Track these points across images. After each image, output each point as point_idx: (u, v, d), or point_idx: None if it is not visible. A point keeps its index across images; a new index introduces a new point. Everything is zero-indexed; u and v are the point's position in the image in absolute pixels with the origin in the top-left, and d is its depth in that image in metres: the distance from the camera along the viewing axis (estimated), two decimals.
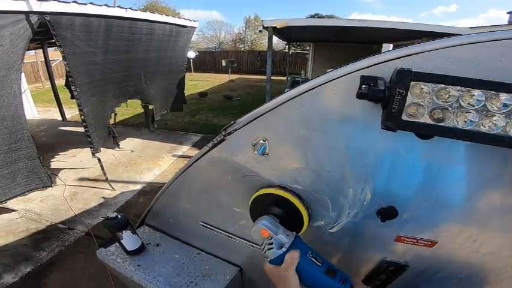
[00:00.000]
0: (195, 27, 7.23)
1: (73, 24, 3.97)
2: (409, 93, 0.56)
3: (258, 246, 0.97)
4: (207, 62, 26.92)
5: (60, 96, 9.18)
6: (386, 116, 0.58)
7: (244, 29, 41.41)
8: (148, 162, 6.24)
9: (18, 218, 4.22)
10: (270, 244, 0.91)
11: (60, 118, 9.37)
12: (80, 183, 5.28)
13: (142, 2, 38.54)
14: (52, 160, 6.16)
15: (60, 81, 11.41)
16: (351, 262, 1.20)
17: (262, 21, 7.73)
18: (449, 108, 0.54)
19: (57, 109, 9.27)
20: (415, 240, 1.00)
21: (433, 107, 0.55)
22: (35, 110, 10.13)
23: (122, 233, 1.33)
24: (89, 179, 5.40)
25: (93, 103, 4.57)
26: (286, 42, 17.27)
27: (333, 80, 0.84)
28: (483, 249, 0.96)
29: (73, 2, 3.91)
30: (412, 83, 0.55)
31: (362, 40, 10.94)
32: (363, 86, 0.69)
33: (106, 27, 4.49)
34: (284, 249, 0.89)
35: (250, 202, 1.10)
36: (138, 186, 5.22)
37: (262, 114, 0.99)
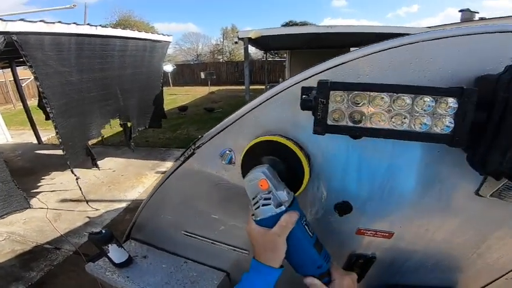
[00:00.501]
0: (170, 42, 7.26)
1: (43, 44, 3.92)
2: (330, 101, 0.65)
3: (244, 251, 0.87)
4: (186, 75, 26.89)
5: (33, 117, 8.96)
6: (314, 122, 0.67)
7: (222, 40, 41.70)
8: (131, 180, 6.20)
9: (2, 241, 4.17)
10: (266, 199, 0.77)
11: (35, 141, 9.14)
12: (62, 205, 5.22)
13: (114, 17, 38.52)
14: (31, 183, 6.03)
15: (32, 102, 11.13)
16: None
17: (237, 32, 7.82)
18: (364, 111, 0.64)
19: (32, 131, 9.05)
20: (374, 232, 1.10)
21: (351, 111, 0.65)
22: (7, 133, 9.81)
23: (108, 247, 1.38)
24: (71, 200, 5.34)
25: (71, 124, 4.52)
26: (263, 51, 17.60)
27: (281, 92, 0.95)
28: (436, 237, 1.06)
29: (40, 21, 3.86)
30: (331, 92, 0.64)
31: (334, 45, 11.27)
32: (303, 96, 0.78)
33: (77, 46, 4.45)
34: (283, 207, 0.76)
35: (243, 153, 1.01)
36: (123, 204, 5.20)
37: (226, 128, 1.09)
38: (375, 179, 0.97)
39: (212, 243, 1.40)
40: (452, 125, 0.59)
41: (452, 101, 0.59)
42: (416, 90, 0.59)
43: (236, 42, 8.76)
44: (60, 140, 4.27)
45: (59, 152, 4.60)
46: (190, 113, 12.71)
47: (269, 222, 0.76)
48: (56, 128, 4.21)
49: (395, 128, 0.63)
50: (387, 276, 1.27)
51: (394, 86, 0.61)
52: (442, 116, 0.60)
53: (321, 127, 0.66)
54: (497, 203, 0.90)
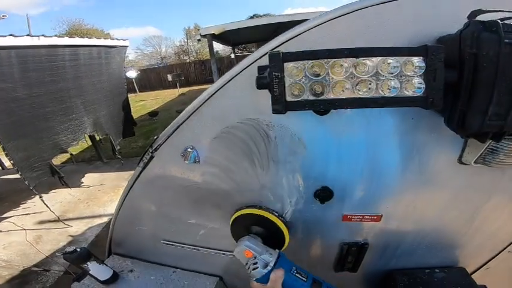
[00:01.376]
0: (127, 46, 6.91)
1: None
2: (285, 75, 0.57)
3: (230, 254, 1.02)
4: (152, 79, 26.04)
5: None
6: (272, 100, 0.58)
7: (186, 40, 40.82)
8: (108, 194, 5.92)
9: None
10: (254, 264, 0.92)
11: None
12: (41, 226, 4.94)
13: (63, 26, 36.15)
14: (3, 209, 5.67)
15: None
16: (316, 255, 1.23)
17: (198, 30, 7.66)
18: (325, 81, 0.56)
19: None
20: (361, 217, 1.04)
21: (310, 84, 0.57)
22: None
23: (88, 265, 1.29)
24: (49, 221, 5.03)
25: (25, 145, 4.18)
26: (231, 47, 17.38)
27: (237, 75, 0.85)
28: (427, 214, 1.02)
29: None
30: (285, 64, 0.56)
31: None
32: (258, 74, 0.69)
33: (19, 59, 4.07)
34: (269, 267, 0.90)
35: (230, 222, 1.10)
36: (105, 219, 4.94)
37: (182, 123, 0.98)
38: (352, 159, 0.91)
39: (195, 249, 1.30)
40: (423, 86, 0.53)
41: (418, 61, 0.53)
42: (378, 53, 0.52)
43: (199, 40, 8.59)
44: (12, 162, 3.94)
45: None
46: (162, 117, 12.31)
47: (263, 280, 0.89)
48: (4, 149, 3.87)
49: (362, 96, 0.55)
50: (383, 261, 1.23)
51: (355, 50, 0.53)
52: (410, 78, 0.54)
53: (280, 105, 0.58)
54: (483, 169, 0.86)
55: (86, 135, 5.57)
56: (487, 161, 0.77)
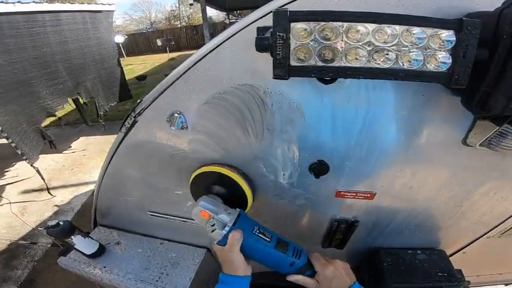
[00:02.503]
0: (113, 10, 6.66)
1: None
2: (291, 37, 0.49)
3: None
4: (140, 44, 24.99)
5: None
6: (273, 64, 0.51)
7: (178, 5, 38.91)
8: (95, 159, 5.78)
9: None
10: (212, 226, 0.87)
11: None
12: (25, 196, 4.81)
13: None
14: None
15: None
16: (305, 230, 1.21)
17: None
18: (338, 47, 0.49)
19: None
20: (354, 194, 1.01)
21: (319, 48, 0.49)
22: None
23: (72, 239, 1.25)
24: (33, 190, 4.92)
25: (11, 110, 4.07)
26: (225, 13, 16.68)
27: (232, 35, 0.76)
28: (420, 195, 0.99)
29: None
30: (291, 24, 0.48)
31: None
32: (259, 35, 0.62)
33: None
34: (227, 228, 0.85)
35: (189, 182, 1.03)
36: (91, 186, 4.84)
37: (169, 86, 0.89)
38: (352, 132, 0.85)
39: (183, 221, 1.27)
40: (449, 62, 0.47)
41: (448, 34, 0.46)
42: (405, 21, 0.46)
43: (191, 4, 8.19)
44: (0, 128, 3.81)
45: (3, 141, 4.13)
46: (150, 81, 11.87)
47: (223, 242, 0.84)
48: None
49: (378, 67, 0.48)
50: (370, 239, 1.23)
51: (378, 15, 0.46)
52: (436, 52, 0.47)
53: (283, 69, 0.51)
54: (483, 154, 0.83)
55: (69, 98, 5.42)
56: (492, 144, 0.74)
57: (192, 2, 7.93)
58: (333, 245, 1.24)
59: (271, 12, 0.67)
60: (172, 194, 1.18)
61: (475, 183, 0.95)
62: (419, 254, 1.21)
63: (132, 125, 1.01)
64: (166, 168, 1.09)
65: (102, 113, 6.44)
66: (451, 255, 1.27)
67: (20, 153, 4.07)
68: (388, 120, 0.80)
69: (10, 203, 4.64)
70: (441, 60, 0.48)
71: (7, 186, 5.22)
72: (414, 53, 0.48)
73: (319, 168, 0.93)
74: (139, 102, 0.98)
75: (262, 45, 0.54)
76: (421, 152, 0.86)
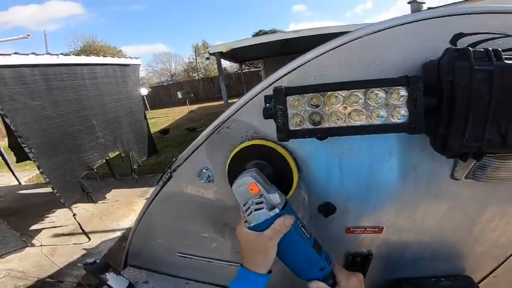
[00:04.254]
0: (139, 64, 7.13)
1: (3, 77, 3.63)
2: (288, 107, 0.66)
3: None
4: (163, 96, 26.53)
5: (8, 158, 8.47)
6: (277, 129, 0.67)
7: (195, 57, 41.54)
8: (122, 209, 6.04)
9: (2, 278, 4.04)
10: (258, 203, 0.73)
11: (15, 182, 8.68)
12: (55, 240, 5.09)
13: (78, 43, 36.76)
14: (20, 223, 5.77)
15: (4, 142, 10.63)
16: None
17: (207, 48, 7.86)
18: (322, 112, 0.65)
19: (9, 173, 8.58)
20: (363, 229, 1.10)
21: (309, 114, 0.66)
22: None
23: (106, 275, 1.35)
24: (63, 235, 5.20)
25: (57, 163, 4.28)
26: (238, 63, 17.74)
27: (247, 103, 0.95)
28: (426, 226, 1.07)
29: None
30: (288, 97, 0.65)
31: (304, 49, 11.43)
32: (266, 105, 0.78)
33: (42, 77, 4.17)
34: (277, 210, 0.73)
35: (229, 160, 0.98)
36: (118, 233, 5.06)
37: (198, 147, 1.09)
38: (352, 176, 0.98)
39: (208, 261, 1.37)
40: (407, 113, 0.61)
41: (403, 90, 0.60)
42: (365, 84, 0.61)
43: (208, 58, 8.85)
44: (46, 179, 4.04)
45: (42, 190, 4.44)
46: (172, 135, 12.50)
47: (263, 227, 0.72)
48: (39, 168, 3.92)
49: (354, 124, 0.64)
50: (388, 271, 1.26)
51: (345, 83, 0.62)
52: (396, 106, 0.62)
53: (284, 133, 0.67)
54: (476, 184, 0.91)
55: (110, 153, 5.66)
56: (477, 176, 0.83)
57: (208, 56, 8.54)
58: None
59: (272, 83, 0.87)
60: (200, 236, 1.31)
61: (476, 211, 1.02)
62: (443, 281, 1.18)
63: (168, 179, 1.20)
64: (195, 214, 1.25)
65: (135, 167, 6.65)
66: (481, 280, 1.25)
67: (62, 201, 4.30)
68: (380, 164, 0.94)
69: (42, 245, 4.85)
70: (402, 113, 0.62)
71: (40, 229, 5.54)
72: (379, 109, 0.62)
73: (328, 209, 1.05)
74: (175, 160, 1.17)
75: (268, 114, 0.70)
76: (416, 188, 0.97)
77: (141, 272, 1.57)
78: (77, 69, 4.89)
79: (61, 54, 4.54)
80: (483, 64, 0.57)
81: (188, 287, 1.45)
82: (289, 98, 0.66)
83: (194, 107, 21.24)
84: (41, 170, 3.95)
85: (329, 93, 0.64)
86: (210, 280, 1.46)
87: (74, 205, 5.33)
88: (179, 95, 20.79)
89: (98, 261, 1.35)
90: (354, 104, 0.63)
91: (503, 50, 0.71)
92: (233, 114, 0.97)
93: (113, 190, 7.25)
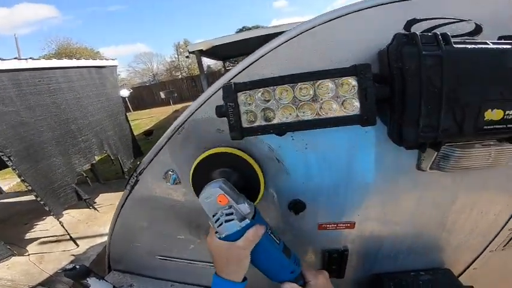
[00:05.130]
0: (116, 65, 6.94)
1: None
2: (240, 104, 0.62)
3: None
4: (145, 97, 25.99)
5: None
6: (229, 128, 0.64)
7: (177, 55, 40.89)
8: (108, 213, 5.91)
9: None
10: (228, 215, 0.73)
11: None
12: (43, 247, 5.02)
13: (52, 46, 35.28)
14: (4, 232, 5.68)
15: None
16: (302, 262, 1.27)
17: (186, 46, 7.72)
18: (273, 107, 0.62)
19: None
20: (335, 225, 1.09)
21: (261, 110, 0.62)
22: None
23: (88, 281, 1.32)
24: (50, 242, 5.13)
25: (41, 170, 4.16)
26: (222, 61, 17.56)
27: (204, 103, 0.92)
28: (398, 219, 1.06)
29: None
30: (239, 93, 0.62)
31: None
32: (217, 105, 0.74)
33: (12, 82, 3.97)
34: (247, 220, 0.73)
35: (192, 169, 0.94)
36: (105, 238, 4.91)
37: (160, 150, 1.05)
38: (319, 172, 0.96)
39: (189, 263, 1.35)
40: (358, 105, 0.58)
41: (353, 81, 0.58)
42: (312, 76, 0.58)
43: (187, 57, 8.66)
44: (29, 187, 3.89)
45: (25, 198, 4.30)
46: (157, 136, 12.24)
47: (235, 237, 0.73)
48: (20, 176, 3.76)
49: (305, 119, 0.61)
50: (367, 266, 1.26)
51: (293, 76, 0.59)
52: (347, 98, 0.59)
53: (237, 132, 0.63)
54: (442, 175, 0.90)
55: (96, 156, 5.55)
56: (441, 166, 0.82)
57: (187, 54, 8.38)
58: (332, 275, 1.27)
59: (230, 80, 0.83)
60: (176, 239, 1.29)
61: (446, 203, 1.01)
62: (423, 275, 1.19)
63: (135, 183, 1.16)
64: (168, 217, 1.22)
65: (126, 170, 6.56)
66: (461, 273, 1.27)
67: (48, 209, 4.18)
68: (345, 157, 0.92)
69: (29, 253, 4.82)
70: (353, 105, 0.59)
71: (26, 237, 5.45)
72: (330, 102, 0.60)
73: (298, 206, 1.03)
74: (139, 163, 1.13)
75: (220, 112, 0.66)
76: (384, 181, 0.96)
77: (125, 275, 1.54)
78: (49, 73, 4.73)
79: (30, 58, 4.36)
80: (432, 49, 0.55)
81: None
82: (240, 95, 0.62)
83: (178, 106, 20.96)
84: (22, 178, 3.82)
85: (278, 87, 0.60)
86: (195, 281, 1.44)
87: None
88: (162, 95, 20.41)
89: (77, 266, 1.31)
90: (304, 97, 0.60)
91: (458, 35, 0.71)
92: (192, 114, 0.94)
93: (98, 195, 7.15)
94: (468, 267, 1.25)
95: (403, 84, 0.57)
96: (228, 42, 8.54)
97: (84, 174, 5.53)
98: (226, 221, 0.72)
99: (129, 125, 7.29)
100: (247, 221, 0.73)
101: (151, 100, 25.66)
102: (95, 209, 5.53)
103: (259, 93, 0.62)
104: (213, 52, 9.73)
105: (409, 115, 0.59)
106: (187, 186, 1.08)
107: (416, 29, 0.71)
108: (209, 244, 0.79)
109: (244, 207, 0.73)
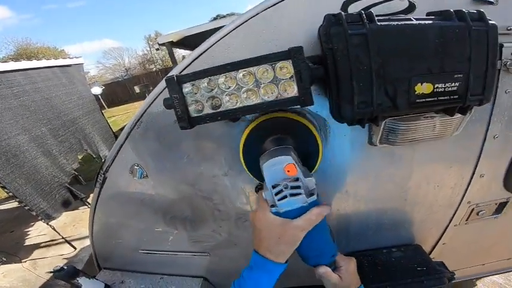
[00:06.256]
0: (82, 63, 6.74)
1: None
2: (186, 95, 0.64)
3: (204, 254, 0.73)
4: (119, 93, 25.06)
5: None
6: (177, 119, 0.66)
7: (149, 48, 39.59)
8: None
9: None
10: (295, 188, 0.65)
11: None
12: (34, 253, 4.97)
13: (10, 47, 33.11)
14: None
15: None
16: None
17: (155, 38, 7.45)
18: (218, 95, 0.64)
19: None
20: None
21: (207, 98, 0.64)
22: None
23: (78, 280, 1.35)
24: (41, 247, 5.09)
25: (25, 173, 4.03)
26: None
27: (158, 96, 0.93)
28: (359, 196, 1.09)
29: None
30: (183, 85, 0.63)
31: None
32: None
33: None
34: (315, 197, 0.67)
35: (243, 138, 0.86)
36: None
37: (122, 145, 1.05)
38: None
39: (173, 254, 1.38)
40: (296, 87, 0.61)
41: (289, 64, 0.60)
42: (250, 63, 0.60)
43: (157, 49, 8.36)
44: (10, 193, 3.76)
45: (8, 206, 4.16)
46: None
47: (294, 214, 0.66)
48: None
49: (250, 104, 0.63)
50: (340, 245, 1.25)
51: (233, 64, 0.61)
52: (285, 81, 0.62)
53: (184, 122, 0.65)
54: (394, 149, 0.93)
55: (78, 155, 5.42)
56: (390, 140, 0.86)
57: (157, 47, 8.10)
58: None
59: (182, 70, 0.85)
60: (154, 231, 1.30)
61: (402, 177, 1.05)
62: (395, 251, 1.22)
63: (104, 181, 1.16)
64: (141, 211, 1.23)
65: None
66: (432, 249, 1.32)
67: (35, 214, 4.05)
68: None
69: (21, 260, 4.74)
70: (292, 86, 0.62)
71: (15, 244, 5.36)
72: (271, 86, 0.62)
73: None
74: (104, 161, 1.14)
75: (168, 105, 0.67)
76: (340, 159, 0.99)
77: (115, 273, 1.57)
78: (9, 76, 4.52)
79: None
80: (357, 28, 0.58)
81: (163, 282, 1.47)
82: (185, 86, 0.64)
83: None
84: (2, 185, 3.67)
85: (221, 75, 0.62)
86: (183, 272, 1.47)
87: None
88: (137, 89, 19.84)
89: (64, 267, 1.34)
90: (247, 83, 0.63)
91: (394, 13, 0.75)
92: (148, 107, 0.95)
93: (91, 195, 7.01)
94: (437, 242, 1.29)
95: (335, 64, 0.60)
96: (200, 32, 8.29)
97: (77, 173, 5.38)
98: (291, 195, 0.65)
99: (107, 122, 7.12)
100: (315, 197, 0.67)
101: (126, 95, 24.88)
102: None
103: (205, 83, 0.63)
104: (185, 43, 9.46)
105: (344, 93, 0.63)
106: (156, 179, 1.11)
107: (353, 9, 0.74)
108: (258, 219, 0.71)
109: (311, 182, 0.67)
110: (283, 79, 0.61)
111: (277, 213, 0.67)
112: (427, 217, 1.18)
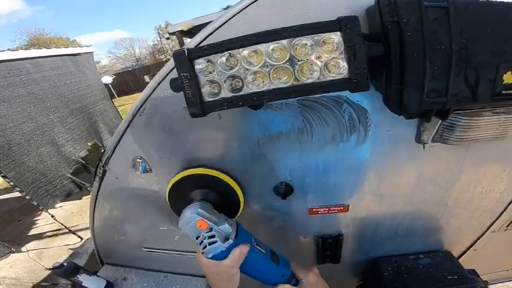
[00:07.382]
0: (92, 52, 6.65)
1: None
2: (198, 73, 0.49)
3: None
4: (130, 82, 25.17)
5: None
6: (187, 103, 0.51)
7: (159, 38, 39.53)
8: None
9: None
10: (210, 237, 0.74)
11: None
12: (40, 243, 5.00)
13: (23, 37, 32.46)
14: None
15: None
16: (296, 249, 1.20)
17: (165, 28, 7.40)
18: (240, 74, 0.49)
19: None
20: (327, 209, 1.00)
21: (226, 78, 0.49)
22: None
23: (78, 277, 1.30)
24: (47, 237, 5.12)
25: (27, 162, 4.01)
26: None
27: (163, 80, 0.78)
28: (395, 200, 0.98)
29: None
30: (195, 61, 0.48)
31: None
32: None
33: None
34: (230, 241, 0.74)
35: (168, 191, 0.92)
36: None
37: (123, 134, 0.92)
38: (303, 153, 0.86)
39: (178, 253, 1.30)
40: (346, 66, 0.46)
41: (337, 38, 0.45)
42: (286, 34, 0.45)
43: (168, 38, 8.27)
44: (11, 183, 3.73)
45: (9, 195, 4.16)
46: None
47: (221, 256, 0.73)
48: (0, 172, 3.63)
49: (281, 86, 0.48)
50: (364, 250, 1.20)
51: (260, 35, 0.46)
52: (331, 58, 0.46)
53: (196, 107, 0.50)
54: (445, 148, 0.80)
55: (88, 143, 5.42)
56: (445, 138, 0.71)
57: (167, 36, 8.02)
58: (327, 261, 1.22)
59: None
60: (158, 230, 1.20)
61: (447, 180, 0.93)
62: (422, 258, 1.15)
63: (103, 174, 1.04)
64: (145, 208, 1.11)
65: None
66: (461, 255, 1.23)
67: (36, 204, 4.05)
68: (331, 134, 0.81)
69: (28, 250, 4.79)
70: (339, 66, 0.47)
71: (20, 234, 5.40)
72: (310, 64, 0.47)
73: (284, 190, 0.93)
74: (104, 151, 1.00)
75: (175, 86, 0.53)
76: (378, 158, 0.86)
77: (118, 269, 1.50)
78: (17, 64, 4.48)
79: None
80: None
81: (167, 281, 1.41)
82: (198, 62, 0.49)
83: None
84: (3, 174, 3.66)
85: (245, 49, 0.47)
86: (187, 271, 1.40)
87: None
88: (147, 78, 19.83)
89: (64, 264, 1.28)
90: (277, 60, 0.47)
91: None
92: (152, 92, 0.80)
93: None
94: (468, 248, 1.20)
95: (400, 41, 0.46)
96: (209, 21, 8.13)
97: (83, 162, 5.34)
98: (209, 244, 0.73)
99: (117, 110, 7.04)
100: (231, 241, 0.73)
101: (136, 85, 24.97)
102: None
103: (223, 59, 0.48)
104: (195, 32, 9.33)
105: (411, 78, 0.48)
106: (160, 173, 0.98)
107: None
108: (200, 262, 0.78)
109: (225, 228, 0.74)
110: (328, 56, 0.45)
111: (209, 258, 0.74)
112: (465, 222, 1.08)
